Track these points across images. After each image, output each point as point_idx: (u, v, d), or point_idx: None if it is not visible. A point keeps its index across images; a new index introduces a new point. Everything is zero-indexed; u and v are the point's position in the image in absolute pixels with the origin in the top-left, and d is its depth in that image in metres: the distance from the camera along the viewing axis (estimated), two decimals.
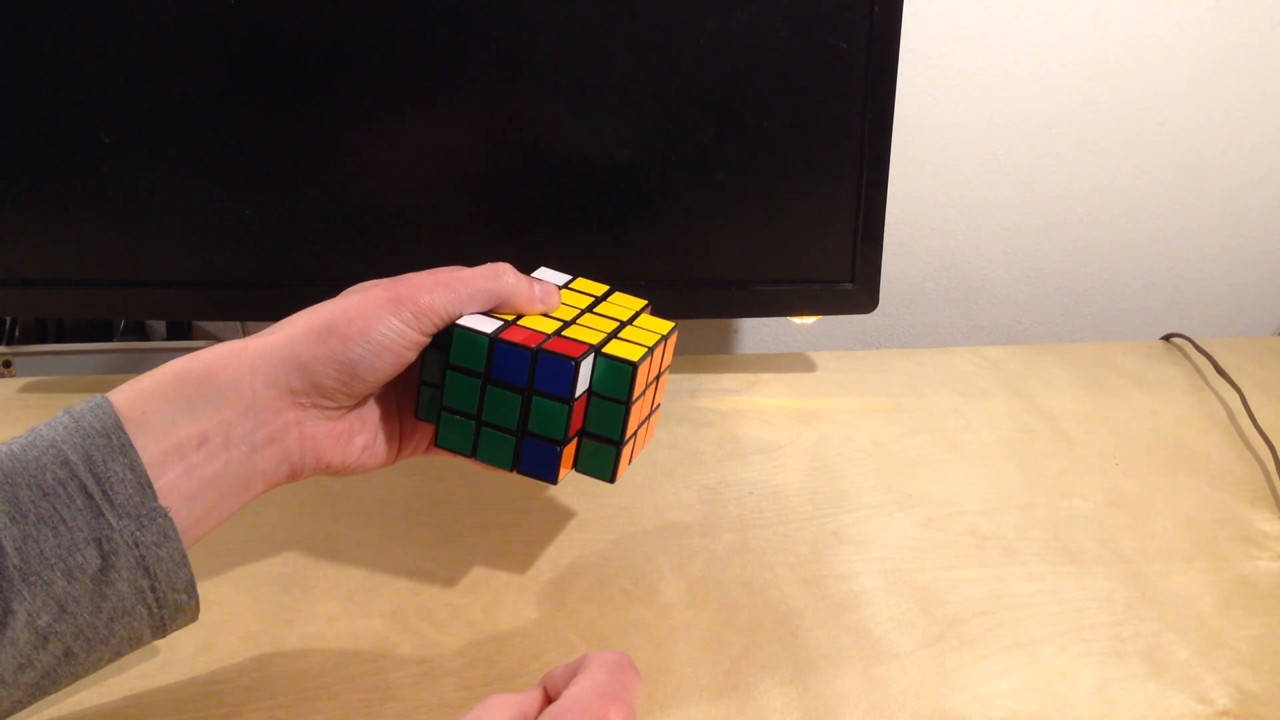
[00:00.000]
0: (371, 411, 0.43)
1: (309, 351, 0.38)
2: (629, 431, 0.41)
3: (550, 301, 0.43)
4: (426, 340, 0.40)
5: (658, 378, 0.43)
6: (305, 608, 0.47)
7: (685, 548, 0.52)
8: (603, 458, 0.41)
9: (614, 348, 0.40)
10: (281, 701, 0.42)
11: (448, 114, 0.57)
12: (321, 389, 0.39)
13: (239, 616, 0.46)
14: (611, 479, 0.41)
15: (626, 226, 0.60)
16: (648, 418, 0.44)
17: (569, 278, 0.46)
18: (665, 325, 0.43)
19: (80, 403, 0.37)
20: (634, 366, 0.39)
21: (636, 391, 0.40)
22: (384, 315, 0.39)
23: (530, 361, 0.39)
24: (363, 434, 0.43)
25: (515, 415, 0.40)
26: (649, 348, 0.41)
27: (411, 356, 0.40)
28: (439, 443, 0.42)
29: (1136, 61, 0.74)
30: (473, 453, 0.42)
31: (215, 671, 0.43)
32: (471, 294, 0.40)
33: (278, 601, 0.48)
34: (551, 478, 0.41)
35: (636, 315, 0.44)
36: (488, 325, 0.40)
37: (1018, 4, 0.71)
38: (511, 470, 0.41)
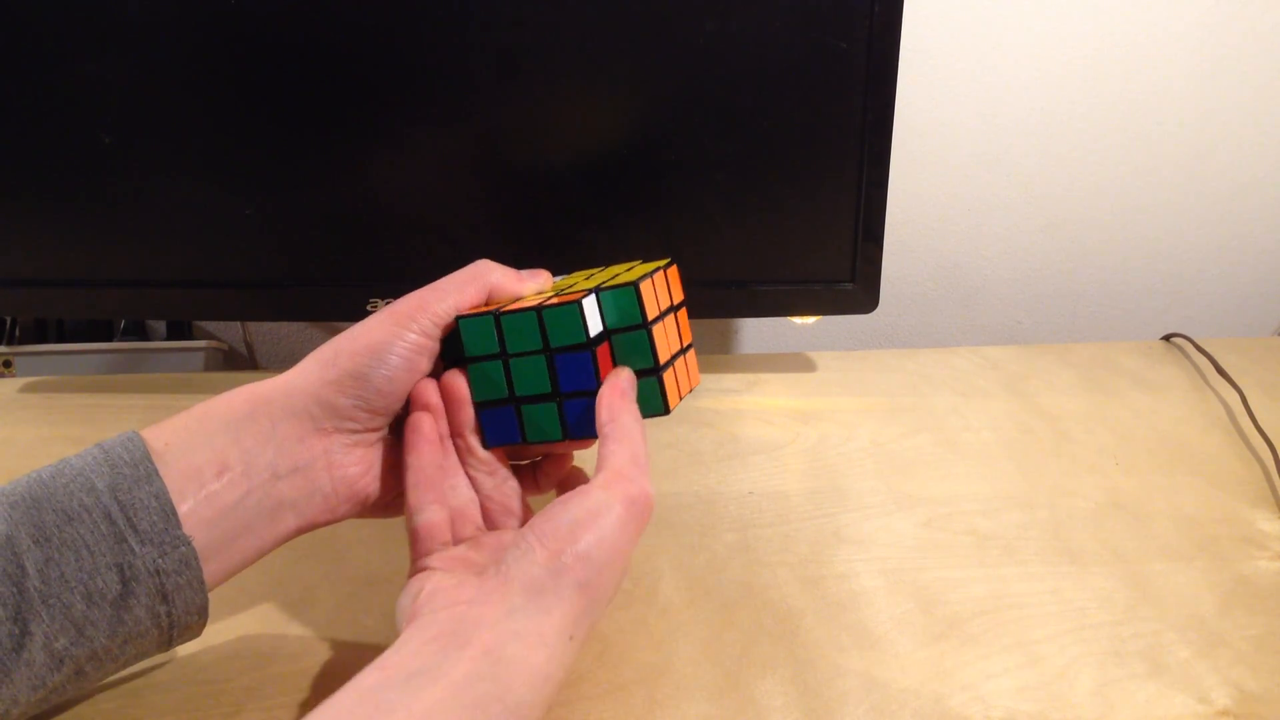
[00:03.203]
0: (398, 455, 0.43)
1: (320, 376, 0.39)
2: (663, 358, 0.41)
3: (538, 279, 0.43)
4: (434, 344, 0.40)
5: (673, 309, 0.43)
6: (305, 608, 0.47)
7: (685, 548, 0.52)
8: (648, 391, 0.41)
9: (613, 282, 0.41)
10: (281, 701, 0.42)
11: (448, 114, 0.57)
12: (340, 410, 0.39)
13: (239, 616, 0.46)
14: (665, 409, 0.41)
15: (626, 226, 0.60)
16: (682, 352, 0.43)
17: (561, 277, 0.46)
18: (661, 262, 0.43)
19: (112, 437, 0.37)
20: (635, 285, 0.39)
21: (650, 313, 0.40)
22: (390, 328, 0.39)
23: (538, 321, 0.39)
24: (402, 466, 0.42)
25: (545, 378, 0.40)
26: (647, 274, 0.41)
27: (424, 365, 0.40)
28: (487, 443, 0.42)
29: (1136, 61, 0.74)
30: (522, 438, 0.41)
31: (215, 672, 0.43)
32: (463, 292, 0.41)
33: (278, 602, 0.48)
34: None
35: (630, 268, 0.44)
36: (487, 310, 0.41)
37: (1018, 4, 0.71)
38: (564, 440, 0.41)
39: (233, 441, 0.38)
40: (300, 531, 0.40)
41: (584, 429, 0.41)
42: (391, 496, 0.42)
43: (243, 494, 0.38)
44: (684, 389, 0.43)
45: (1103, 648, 0.46)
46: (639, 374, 0.40)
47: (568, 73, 0.56)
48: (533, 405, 0.41)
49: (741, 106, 0.57)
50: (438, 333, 0.40)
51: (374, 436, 0.41)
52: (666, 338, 0.41)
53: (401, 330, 0.39)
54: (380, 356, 0.39)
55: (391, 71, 0.56)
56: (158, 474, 0.36)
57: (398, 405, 0.41)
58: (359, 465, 0.41)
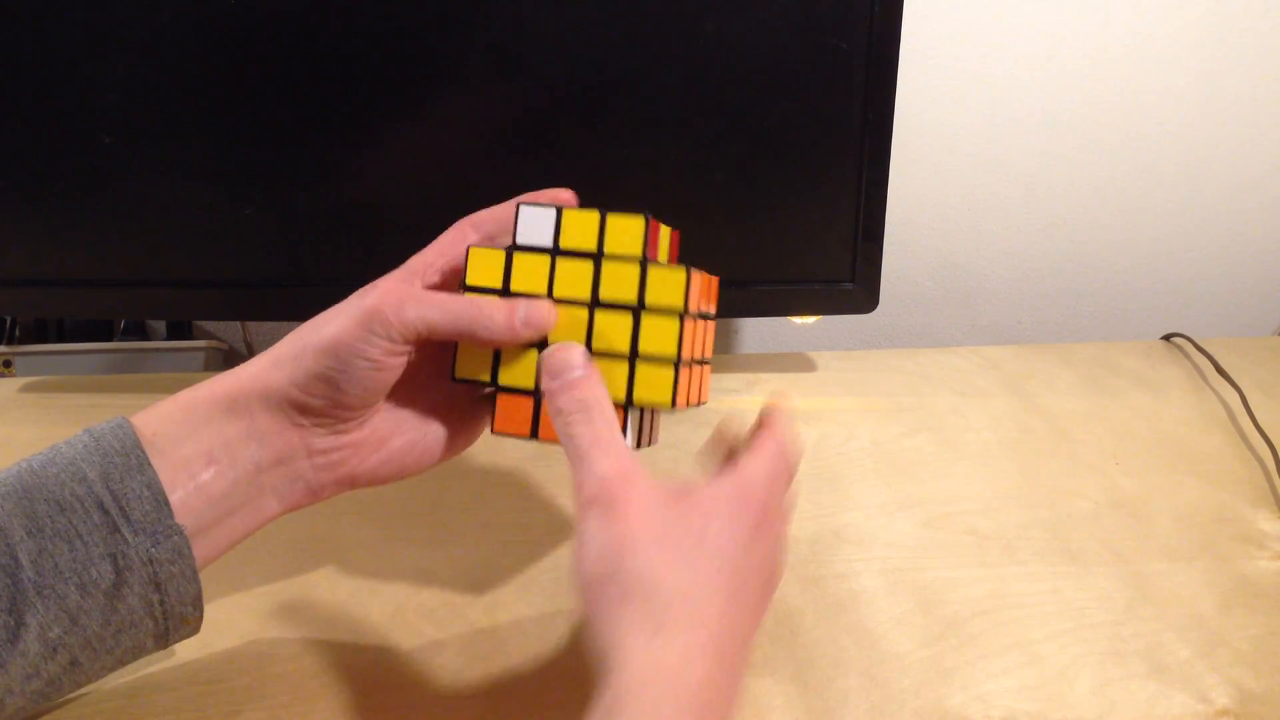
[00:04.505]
0: (403, 415, 0.42)
1: (290, 375, 0.38)
2: (685, 355, 0.39)
3: (536, 325, 0.39)
4: (405, 348, 0.38)
5: (705, 316, 0.42)
6: (305, 608, 0.47)
7: None
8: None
9: (643, 390, 0.39)
10: (281, 701, 0.42)
11: (447, 113, 0.57)
12: (312, 410, 0.38)
13: (239, 616, 0.46)
14: (672, 404, 0.39)
15: None
16: (702, 362, 0.42)
17: (555, 213, 0.41)
18: (677, 284, 0.39)
19: (101, 423, 0.37)
20: (671, 405, 0.39)
21: (690, 304, 0.39)
22: (355, 330, 0.37)
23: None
24: (401, 436, 0.41)
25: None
26: (674, 377, 0.39)
27: (396, 365, 0.39)
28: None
29: (1137, 61, 0.74)
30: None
31: (215, 671, 0.43)
32: (445, 312, 0.38)
33: (278, 601, 0.48)
34: None
35: (644, 275, 0.39)
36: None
37: (1018, 4, 0.71)
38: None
39: (218, 433, 0.38)
40: (284, 513, 0.40)
41: None
42: (375, 465, 0.41)
43: (230, 485, 0.38)
44: (693, 398, 0.42)
45: (1103, 648, 0.46)
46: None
47: (568, 73, 0.56)
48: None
49: (742, 106, 0.57)
50: (408, 341, 0.38)
51: (353, 424, 0.40)
52: (693, 339, 0.40)
53: (368, 336, 0.37)
54: (346, 362, 0.37)
55: (391, 71, 0.56)
56: (149, 463, 0.36)
57: (374, 401, 0.39)
58: (346, 449, 0.40)
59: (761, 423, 0.40)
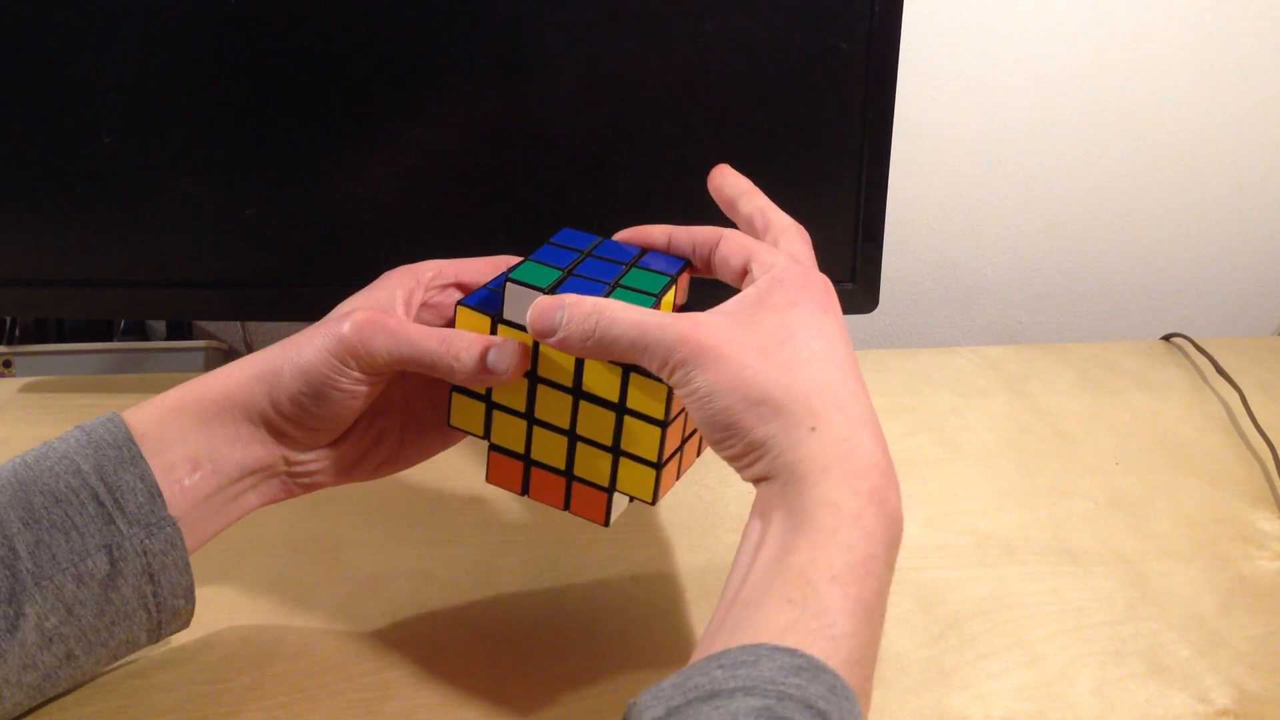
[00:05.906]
0: (380, 432, 0.43)
1: (269, 395, 0.38)
2: (667, 451, 0.39)
3: (505, 368, 0.37)
4: (378, 384, 0.39)
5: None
6: (305, 608, 0.47)
7: (685, 547, 0.52)
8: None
9: (629, 480, 0.39)
10: (281, 701, 0.42)
11: (448, 113, 0.57)
12: (288, 433, 0.40)
13: (239, 616, 0.46)
14: (653, 500, 0.40)
15: (626, 226, 0.60)
16: (688, 436, 0.42)
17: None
18: (658, 405, 0.37)
19: (91, 420, 0.38)
20: (653, 502, 0.40)
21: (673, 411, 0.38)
22: (327, 359, 0.38)
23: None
24: (378, 453, 0.43)
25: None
26: (657, 473, 0.39)
27: (368, 398, 0.39)
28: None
29: (1136, 62, 0.74)
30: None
31: (215, 671, 0.43)
32: (415, 349, 0.38)
33: (278, 601, 0.48)
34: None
35: (619, 423, 0.39)
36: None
37: (1018, 4, 0.71)
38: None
39: (204, 439, 0.38)
40: (262, 506, 0.41)
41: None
42: (351, 476, 0.43)
43: (213, 489, 0.39)
44: (685, 468, 0.43)
45: (1103, 648, 0.46)
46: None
47: (568, 73, 0.56)
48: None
49: (741, 106, 0.57)
50: (378, 373, 0.39)
51: (327, 444, 0.41)
52: (675, 444, 0.40)
53: (339, 366, 0.38)
54: (318, 389, 0.38)
55: (392, 71, 0.56)
56: (142, 456, 0.36)
57: (345, 424, 0.41)
58: (318, 463, 0.41)
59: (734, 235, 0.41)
